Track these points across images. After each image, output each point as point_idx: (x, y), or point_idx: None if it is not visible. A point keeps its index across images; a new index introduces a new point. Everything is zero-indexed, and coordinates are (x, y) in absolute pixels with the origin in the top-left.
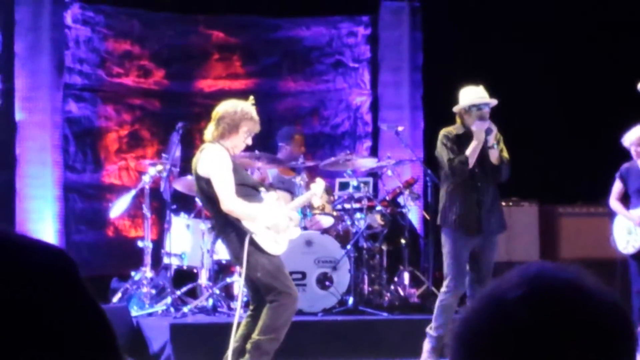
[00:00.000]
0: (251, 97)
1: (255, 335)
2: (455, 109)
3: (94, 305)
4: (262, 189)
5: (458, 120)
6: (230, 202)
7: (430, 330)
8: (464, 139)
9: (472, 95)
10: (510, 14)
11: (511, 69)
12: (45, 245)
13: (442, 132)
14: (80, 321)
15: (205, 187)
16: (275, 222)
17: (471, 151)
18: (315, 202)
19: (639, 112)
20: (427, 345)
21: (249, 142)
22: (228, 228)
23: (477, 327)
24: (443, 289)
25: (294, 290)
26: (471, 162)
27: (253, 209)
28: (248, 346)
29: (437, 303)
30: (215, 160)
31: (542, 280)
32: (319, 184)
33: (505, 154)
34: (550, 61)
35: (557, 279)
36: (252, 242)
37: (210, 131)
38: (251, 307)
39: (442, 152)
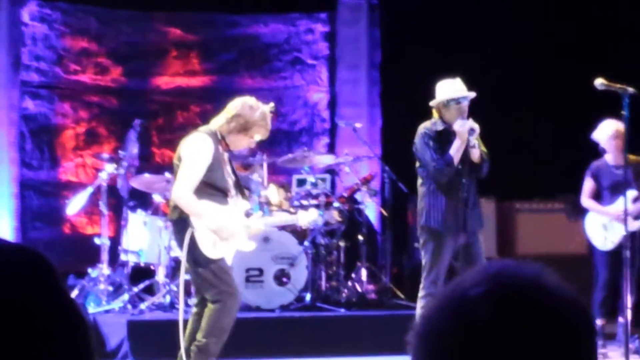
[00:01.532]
0: (272, 104)
1: (199, 338)
2: (433, 103)
3: (72, 304)
4: (232, 196)
5: (435, 114)
6: (181, 191)
7: None
8: (445, 134)
9: (449, 88)
10: (469, 10)
11: (469, 66)
12: (20, 247)
13: (422, 129)
14: (59, 321)
15: (177, 170)
16: (220, 227)
17: (455, 151)
18: (274, 199)
19: (596, 109)
20: None
21: (253, 145)
22: (176, 214)
23: (439, 325)
24: (421, 292)
25: (236, 291)
26: (455, 161)
27: (200, 207)
28: (193, 348)
29: (419, 309)
30: (195, 148)
31: (503, 277)
32: (312, 214)
33: (484, 148)
34: (509, 57)
35: (518, 277)
36: (193, 238)
37: (219, 122)
38: (195, 302)
39: (424, 152)
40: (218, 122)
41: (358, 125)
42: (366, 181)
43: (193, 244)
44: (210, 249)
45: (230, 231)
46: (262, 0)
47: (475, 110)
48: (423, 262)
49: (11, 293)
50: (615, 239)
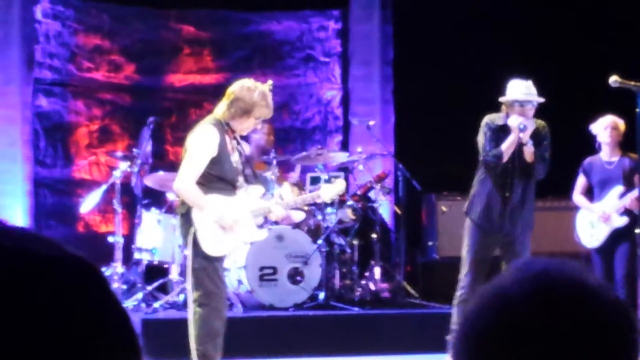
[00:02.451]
0: (269, 82)
1: (196, 346)
2: (502, 99)
3: (127, 321)
4: (241, 185)
5: (504, 109)
6: (183, 183)
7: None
8: (506, 130)
9: (517, 90)
10: (481, 7)
11: (482, 62)
12: (74, 256)
13: (486, 119)
14: (113, 337)
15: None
16: (221, 216)
17: (507, 146)
18: (287, 197)
19: (604, 108)
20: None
21: (259, 126)
22: (184, 208)
23: (481, 325)
24: (459, 283)
25: (224, 293)
26: (505, 156)
27: (201, 198)
28: (193, 355)
29: (455, 301)
30: (198, 139)
31: (547, 276)
32: (336, 186)
33: (545, 154)
34: (521, 55)
35: (561, 277)
36: (195, 236)
37: (221, 109)
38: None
39: (481, 140)
40: (220, 109)
41: (371, 122)
42: (380, 179)
43: (195, 242)
44: (210, 246)
45: (233, 218)
46: None
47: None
48: (463, 252)
49: (67, 306)
50: (601, 236)
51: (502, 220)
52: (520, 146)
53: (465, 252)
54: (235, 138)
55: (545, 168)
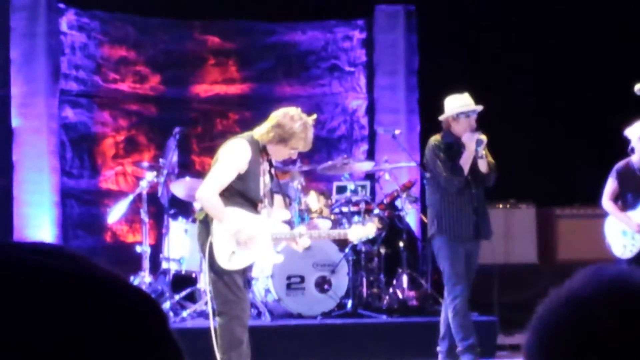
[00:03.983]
0: (314, 115)
1: (220, 356)
2: (442, 117)
3: (180, 354)
4: (265, 206)
5: (444, 128)
6: (206, 192)
7: (458, 345)
8: (455, 147)
9: (458, 103)
10: (506, 16)
11: (507, 70)
12: (134, 289)
13: (433, 142)
14: None
15: None
16: (238, 230)
17: (464, 162)
18: (314, 206)
19: (635, 114)
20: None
21: (294, 156)
22: (202, 215)
23: (557, 331)
24: (450, 296)
25: (244, 302)
26: (465, 172)
27: (221, 210)
28: None
29: (451, 314)
30: (231, 152)
31: (621, 283)
32: (367, 229)
33: (490, 159)
34: (546, 62)
35: (634, 283)
36: (211, 246)
37: (260, 131)
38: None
39: (435, 164)
40: (260, 131)
41: (397, 131)
42: (406, 188)
43: (211, 252)
44: (225, 260)
45: (249, 235)
46: (300, 8)
47: (513, 115)
48: (442, 269)
49: (111, 340)
50: (635, 248)
51: (476, 230)
52: (475, 159)
53: (448, 268)
54: (269, 161)
55: (496, 173)
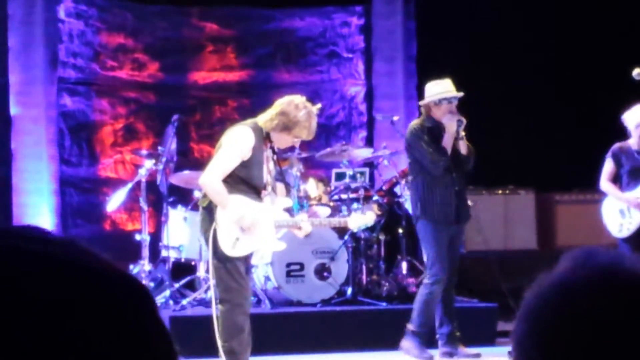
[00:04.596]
0: (318, 105)
1: (222, 342)
2: (423, 102)
3: (169, 344)
4: (267, 193)
5: (424, 113)
6: (209, 178)
7: (411, 326)
8: (436, 131)
9: (440, 88)
10: (503, 2)
11: (506, 56)
12: (121, 273)
13: (414, 126)
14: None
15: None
16: (241, 216)
17: (446, 143)
18: (313, 193)
19: (633, 98)
20: (410, 343)
21: (297, 144)
22: (206, 202)
23: (550, 320)
24: (426, 280)
25: (246, 290)
26: (448, 153)
27: (225, 196)
28: (220, 351)
29: (420, 298)
30: (235, 139)
31: (613, 271)
32: (366, 218)
33: (468, 143)
34: (544, 47)
35: (627, 270)
36: (215, 233)
37: (264, 118)
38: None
39: (419, 147)
40: (264, 118)
41: (395, 118)
42: (405, 174)
43: (214, 239)
44: (228, 247)
45: (251, 221)
46: None
47: (511, 99)
48: (424, 253)
49: (99, 325)
50: (632, 226)
51: (457, 213)
52: (455, 141)
53: (431, 252)
54: (272, 148)
55: (474, 159)
